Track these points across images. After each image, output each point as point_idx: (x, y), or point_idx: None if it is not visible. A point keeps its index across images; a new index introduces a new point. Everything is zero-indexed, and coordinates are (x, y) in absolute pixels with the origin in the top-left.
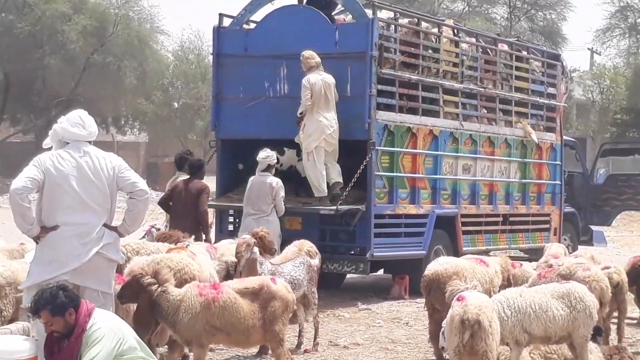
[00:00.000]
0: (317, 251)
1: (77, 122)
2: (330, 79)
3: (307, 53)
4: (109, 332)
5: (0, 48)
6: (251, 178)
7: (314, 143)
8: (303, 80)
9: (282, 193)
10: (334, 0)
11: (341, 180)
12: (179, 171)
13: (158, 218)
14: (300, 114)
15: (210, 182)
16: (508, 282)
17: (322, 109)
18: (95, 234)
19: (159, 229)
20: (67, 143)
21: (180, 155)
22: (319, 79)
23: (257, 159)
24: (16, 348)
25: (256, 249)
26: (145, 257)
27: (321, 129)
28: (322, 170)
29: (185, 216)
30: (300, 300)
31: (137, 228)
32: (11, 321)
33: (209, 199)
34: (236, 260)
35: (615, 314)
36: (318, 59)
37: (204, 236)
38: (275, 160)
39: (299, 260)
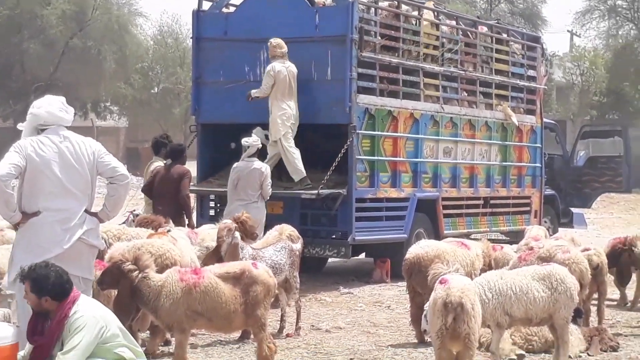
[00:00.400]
0: (299, 235)
1: (61, 108)
2: (294, 69)
3: (274, 41)
4: (91, 320)
5: None
6: (236, 164)
7: (282, 129)
8: (268, 67)
9: (270, 179)
10: None
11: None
12: (155, 156)
13: (138, 204)
14: (252, 98)
15: (190, 166)
16: (489, 266)
17: (286, 97)
18: (77, 219)
19: (138, 215)
20: (43, 130)
21: (156, 140)
22: (284, 68)
23: (244, 143)
24: (1, 334)
25: (237, 234)
26: (126, 243)
27: (287, 117)
28: (294, 152)
29: (167, 201)
30: (282, 284)
31: (117, 213)
32: None
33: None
34: (217, 245)
35: (595, 295)
36: (285, 49)
37: (186, 221)
38: (261, 145)
39: (280, 245)
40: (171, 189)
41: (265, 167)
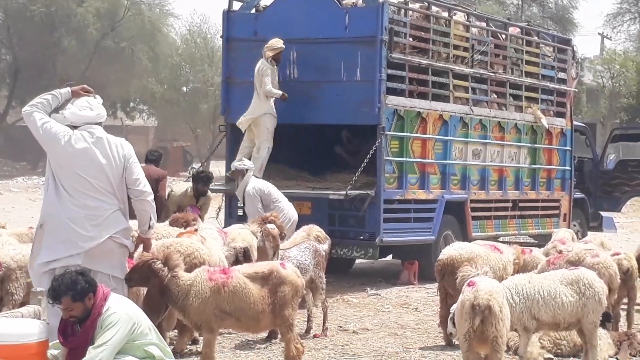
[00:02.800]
0: (327, 236)
1: (84, 105)
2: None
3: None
4: (124, 316)
5: (11, 31)
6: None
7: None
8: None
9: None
10: None
11: None
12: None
13: None
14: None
15: (220, 166)
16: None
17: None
18: (106, 218)
19: None
20: (76, 127)
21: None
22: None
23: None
24: (27, 331)
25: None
26: (155, 242)
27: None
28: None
29: None
30: (308, 285)
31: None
32: (22, 304)
33: (217, 183)
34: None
35: (625, 300)
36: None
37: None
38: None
39: (304, 245)
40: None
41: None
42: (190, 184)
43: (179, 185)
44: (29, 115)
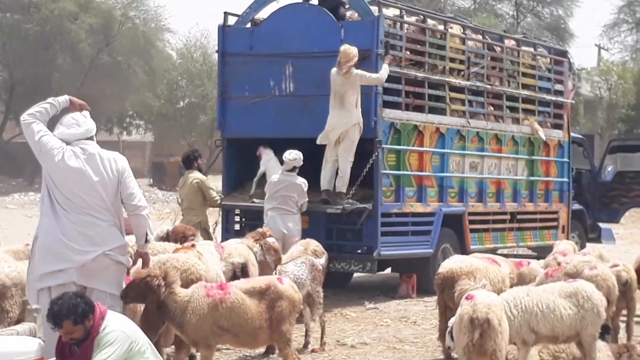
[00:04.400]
0: (324, 250)
1: (71, 123)
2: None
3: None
4: (121, 334)
5: (7, 49)
6: (277, 175)
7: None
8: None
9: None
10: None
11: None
12: (187, 169)
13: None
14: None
15: (216, 181)
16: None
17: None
18: (100, 233)
19: None
20: (68, 144)
21: (187, 154)
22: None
23: (285, 158)
24: (23, 349)
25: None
26: (151, 257)
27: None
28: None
29: None
30: (305, 299)
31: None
32: (17, 322)
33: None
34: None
35: (624, 312)
36: (348, 61)
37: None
38: (302, 163)
39: (300, 260)
40: None
41: (305, 183)
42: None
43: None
44: (27, 125)
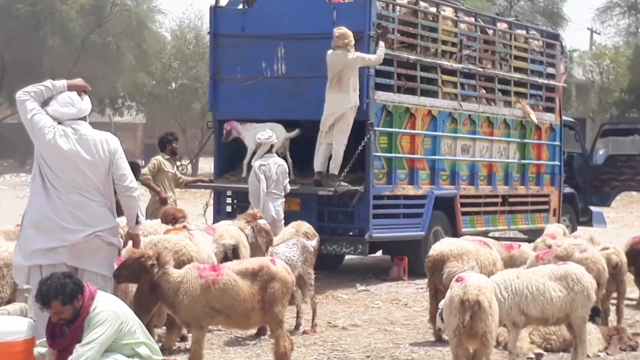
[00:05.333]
0: (315, 233)
1: (66, 101)
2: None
3: (337, 31)
4: (112, 314)
5: None
6: (272, 160)
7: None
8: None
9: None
10: None
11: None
12: (161, 152)
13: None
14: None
15: (208, 163)
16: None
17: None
18: (91, 213)
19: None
20: (60, 123)
21: (161, 137)
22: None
23: (260, 140)
24: (14, 329)
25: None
26: (142, 238)
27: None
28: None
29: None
30: (297, 281)
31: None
32: (8, 302)
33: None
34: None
35: (615, 295)
36: (345, 40)
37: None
38: (275, 141)
39: (292, 242)
40: None
41: (284, 163)
42: None
43: None
44: (21, 102)
